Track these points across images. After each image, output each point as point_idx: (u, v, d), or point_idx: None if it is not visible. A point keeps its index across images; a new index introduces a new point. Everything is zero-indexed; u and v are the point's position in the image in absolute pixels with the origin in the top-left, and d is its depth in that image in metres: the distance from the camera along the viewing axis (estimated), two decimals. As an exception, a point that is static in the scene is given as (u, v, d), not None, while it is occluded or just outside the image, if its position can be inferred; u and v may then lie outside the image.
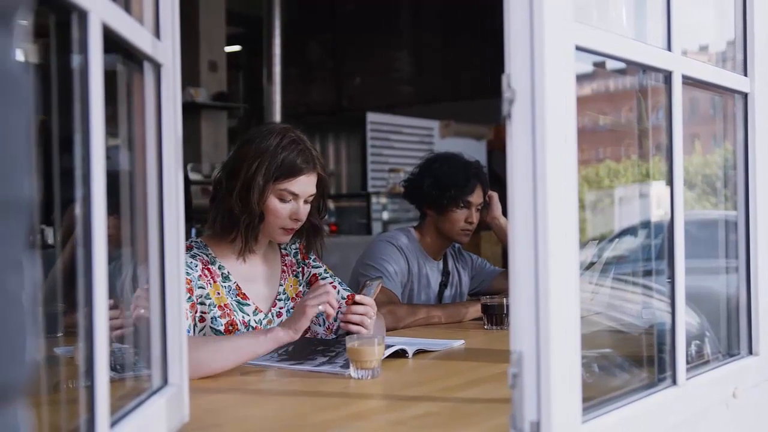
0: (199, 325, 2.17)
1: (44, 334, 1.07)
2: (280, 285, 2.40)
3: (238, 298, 2.27)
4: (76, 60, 1.02)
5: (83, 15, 1.00)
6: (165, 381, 1.39)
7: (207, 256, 2.25)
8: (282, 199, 2.25)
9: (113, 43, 1.13)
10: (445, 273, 3.18)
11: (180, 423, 1.42)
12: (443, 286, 3.17)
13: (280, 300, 2.38)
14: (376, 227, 7.50)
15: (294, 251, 2.48)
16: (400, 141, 8.48)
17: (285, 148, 2.23)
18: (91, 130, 1.02)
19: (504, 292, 3.02)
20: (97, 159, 1.02)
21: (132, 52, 1.27)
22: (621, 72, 1.77)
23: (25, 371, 0.59)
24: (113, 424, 1.10)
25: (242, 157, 2.24)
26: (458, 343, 2.39)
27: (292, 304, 2.39)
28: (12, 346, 0.57)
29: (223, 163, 2.33)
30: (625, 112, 2.09)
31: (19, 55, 0.60)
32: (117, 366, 1.37)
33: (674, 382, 1.54)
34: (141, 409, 1.24)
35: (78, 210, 1.02)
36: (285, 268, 2.43)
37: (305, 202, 2.29)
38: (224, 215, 2.25)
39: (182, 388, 1.42)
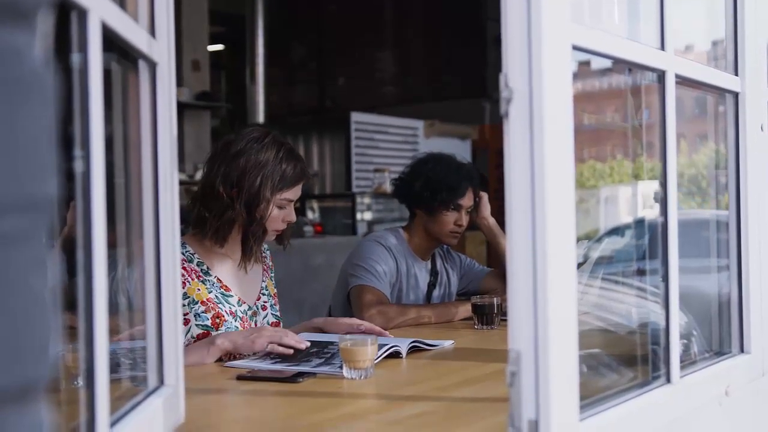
0: (183, 329, 2.19)
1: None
2: (263, 281, 2.48)
3: (222, 290, 2.33)
4: (74, 58, 1.02)
5: (83, 13, 1.00)
6: (161, 382, 1.38)
7: (184, 254, 2.28)
8: (280, 207, 2.33)
9: (109, 41, 1.12)
10: (434, 273, 3.18)
11: (176, 423, 1.41)
12: (432, 286, 3.17)
13: (264, 294, 2.47)
14: (361, 227, 7.49)
15: (268, 255, 2.57)
16: (385, 141, 8.47)
17: (284, 159, 2.32)
18: (90, 128, 1.01)
19: (493, 291, 3.02)
20: (96, 158, 1.01)
21: (128, 51, 1.26)
22: (606, 71, 1.78)
23: (48, 370, 0.59)
24: (112, 424, 1.09)
25: (240, 168, 2.27)
26: (449, 343, 2.39)
27: (273, 300, 2.49)
28: (36, 345, 0.57)
29: (221, 173, 2.30)
30: (611, 112, 2.10)
31: (42, 53, 0.60)
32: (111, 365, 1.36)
33: (668, 380, 1.55)
34: (138, 410, 1.23)
35: (78, 210, 1.01)
36: (265, 266, 2.52)
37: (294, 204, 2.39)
38: (226, 224, 2.28)
39: (178, 389, 1.42)
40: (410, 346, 2.22)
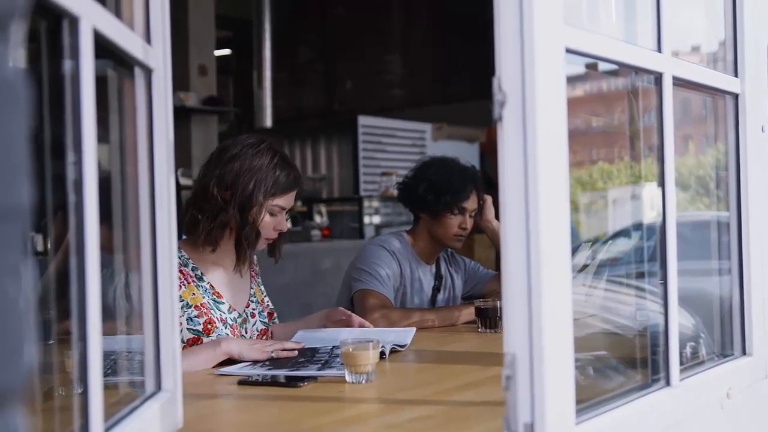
0: None
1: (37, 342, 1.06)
2: (251, 288, 2.51)
3: (214, 296, 2.36)
4: (67, 65, 1.02)
5: (74, 21, 1.00)
6: (158, 387, 1.38)
7: (180, 258, 2.30)
8: (272, 214, 2.36)
9: (103, 48, 1.13)
10: (438, 277, 3.18)
11: (173, 429, 1.42)
12: (436, 290, 3.17)
13: (252, 302, 2.49)
14: (369, 231, 7.49)
15: (255, 260, 2.60)
16: (392, 144, 8.47)
17: (278, 166, 2.35)
18: (82, 135, 1.01)
19: (497, 294, 3.02)
20: (89, 165, 1.02)
21: (123, 58, 1.27)
22: (613, 74, 1.77)
23: (23, 376, 0.60)
24: (107, 430, 1.09)
25: (234, 172, 2.31)
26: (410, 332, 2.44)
27: (261, 308, 2.51)
28: (10, 351, 0.58)
29: (216, 176, 2.33)
30: (618, 114, 2.10)
31: (16, 62, 0.60)
32: (108, 371, 1.36)
33: (668, 382, 1.54)
34: (135, 415, 1.24)
35: (70, 217, 1.02)
36: (253, 273, 2.54)
37: (286, 213, 2.42)
38: (218, 227, 2.30)
39: (176, 394, 1.42)
40: (391, 347, 2.26)
